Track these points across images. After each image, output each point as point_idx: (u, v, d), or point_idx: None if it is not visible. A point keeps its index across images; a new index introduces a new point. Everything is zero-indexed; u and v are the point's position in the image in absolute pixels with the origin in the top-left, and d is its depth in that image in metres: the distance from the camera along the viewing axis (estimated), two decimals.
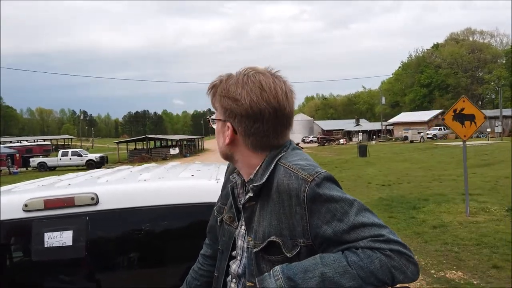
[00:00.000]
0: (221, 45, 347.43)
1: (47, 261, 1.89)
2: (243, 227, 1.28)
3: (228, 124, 1.21)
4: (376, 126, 70.35)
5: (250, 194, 1.20)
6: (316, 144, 62.07)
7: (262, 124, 1.17)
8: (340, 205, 1.07)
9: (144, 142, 51.05)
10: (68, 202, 1.86)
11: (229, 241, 1.36)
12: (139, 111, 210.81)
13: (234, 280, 1.34)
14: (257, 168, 1.22)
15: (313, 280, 1.02)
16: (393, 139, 57.82)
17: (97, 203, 1.87)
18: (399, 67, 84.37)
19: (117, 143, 49.37)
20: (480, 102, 67.24)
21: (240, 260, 1.31)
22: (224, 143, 1.25)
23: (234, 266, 1.33)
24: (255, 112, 1.16)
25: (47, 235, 1.82)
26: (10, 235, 1.97)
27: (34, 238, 1.85)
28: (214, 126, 1.30)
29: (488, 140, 39.38)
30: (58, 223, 1.85)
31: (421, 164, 19.84)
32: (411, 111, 67.21)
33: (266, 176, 1.17)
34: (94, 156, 35.11)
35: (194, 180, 2.17)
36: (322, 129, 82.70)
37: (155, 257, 2.04)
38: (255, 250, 1.18)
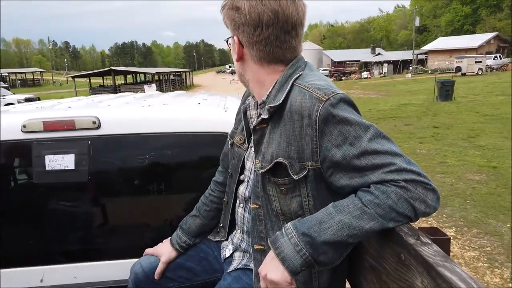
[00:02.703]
0: None
1: (49, 184, 1.82)
2: (252, 149, 1.22)
3: (235, 37, 1.16)
4: (399, 55, 57.67)
5: (264, 116, 1.13)
6: (330, 78, 50.30)
7: (263, 30, 1.09)
8: (354, 128, 1.00)
9: (110, 76, 38.76)
10: (68, 125, 1.77)
11: (238, 163, 1.32)
12: (126, 42, 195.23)
13: (241, 204, 1.32)
14: (269, 89, 1.15)
15: (330, 230, 0.96)
16: (429, 71, 45.80)
17: (99, 127, 1.78)
18: None
19: (73, 77, 37.18)
20: None
21: (248, 182, 1.28)
22: (236, 61, 1.20)
23: (242, 188, 1.31)
24: (254, 18, 1.09)
25: (48, 158, 1.76)
26: (9, 156, 1.86)
27: (35, 160, 1.77)
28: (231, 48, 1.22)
29: None
30: (59, 146, 1.77)
31: None
32: (446, 36, 53.97)
33: (283, 97, 1.10)
34: (16, 98, 22.94)
35: (201, 108, 2.03)
36: (332, 60, 69.76)
37: (158, 185, 1.98)
38: (261, 171, 1.13)
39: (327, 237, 0.95)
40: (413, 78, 38.58)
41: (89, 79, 39.39)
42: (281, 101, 1.09)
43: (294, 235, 0.98)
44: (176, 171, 1.93)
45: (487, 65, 37.06)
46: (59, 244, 1.87)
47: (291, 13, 1.09)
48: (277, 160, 1.09)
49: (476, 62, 35.13)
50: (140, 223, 1.93)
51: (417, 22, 50.84)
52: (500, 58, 41.11)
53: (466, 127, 10.35)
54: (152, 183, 1.96)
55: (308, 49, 66.82)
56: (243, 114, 1.29)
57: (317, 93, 1.04)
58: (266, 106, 1.13)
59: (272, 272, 1.00)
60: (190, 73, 55.98)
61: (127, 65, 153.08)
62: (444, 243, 0.98)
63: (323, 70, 58.77)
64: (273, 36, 1.10)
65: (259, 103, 1.21)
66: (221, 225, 1.46)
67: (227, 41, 1.24)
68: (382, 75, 50.62)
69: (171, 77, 48.32)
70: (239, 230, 1.37)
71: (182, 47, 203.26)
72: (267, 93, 1.15)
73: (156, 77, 42.81)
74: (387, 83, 32.83)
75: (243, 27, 1.11)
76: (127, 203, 1.93)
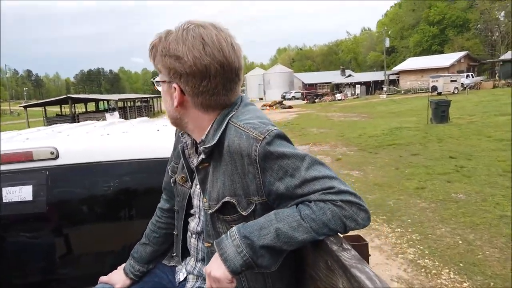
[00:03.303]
0: None
1: (6, 216, 1.81)
2: (197, 186, 1.26)
3: (175, 85, 1.14)
4: (370, 76, 57.27)
5: (202, 156, 1.17)
6: (303, 101, 48.83)
7: (210, 81, 1.11)
8: (292, 160, 1.07)
9: (68, 105, 35.54)
10: (26, 156, 1.79)
11: (183, 201, 1.35)
12: (92, 69, 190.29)
13: (194, 235, 1.35)
14: (208, 129, 1.18)
15: (268, 236, 1.03)
16: (402, 91, 45.15)
17: (57, 157, 1.80)
18: (395, 3, 70.32)
19: (25, 107, 33.92)
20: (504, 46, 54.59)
21: (199, 218, 1.31)
22: (173, 106, 1.18)
23: (193, 224, 1.33)
24: (200, 69, 1.09)
25: (5, 190, 1.78)
26: None
27: None
28: (160, 89, 1.22)
29: None
30: (16, 178, 1.79)
31: None
32: (415, 57, 53.95)
33: (218, 136, 1.13)
34: None
35: (159, 135, 2.09)
36: (303, 82, 68.81)
37: (118, 213, 1.96)
38: (210, 211, 1.17)
39: (265, 242, 1.03)
40: (389, 98, 37.51)
41: (44, 108, 36.03)
42: (215, 141, 1.12)
43: (237, 237, 1.04)
44: (136, 198, 1.93)
45: (462, 83, 36.53)
46: (18, 276, 1.85)
47: (233, 61, 1.12)
48: (224, 200, 1.13)
49: (451, 81, 34.39)
50: (100, 251, 1.92)
51: (387, 43, 50.70)
52: (473, 77, 40.93)
53: (490, 157, 8.40)
54: (112, 212, 1.92)
55: (279, 72, 65.72)
56: (181, 153, 1.29)
57: (253, 133, 1.08)
58: (202, 147, 1.16)
59: (216, 270, 1.06)
60: (158, 99, 53.29)
61: (94, 93, 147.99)
62: (362, 248, 1.12)
63: (295, 92, 57.55)
64: (220, 86, 1.11)
65: (198, 142, 1.22)
66: (174, 254, 1.48)
67: (153, 83, 1.21)
68: (355, 96, 49.80)
69: (137, 103, 45.54)
70: (193, 258, 1.38)
71: (151, 72, 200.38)
72: (206, 133, 1.17)
73: (120, 104, 39.94)
74: (365, 105, 31.40)
75: (188, 77, 1.10)
76: (86, 232, 1.92)
